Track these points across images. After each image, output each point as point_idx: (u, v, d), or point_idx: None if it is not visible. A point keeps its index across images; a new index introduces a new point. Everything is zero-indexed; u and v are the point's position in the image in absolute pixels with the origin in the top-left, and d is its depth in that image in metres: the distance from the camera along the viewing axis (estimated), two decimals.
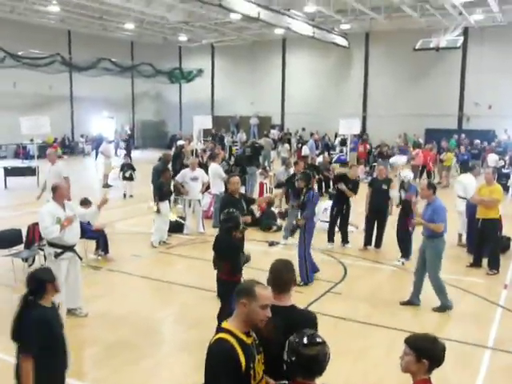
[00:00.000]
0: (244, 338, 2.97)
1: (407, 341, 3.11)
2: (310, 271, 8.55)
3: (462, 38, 23.65)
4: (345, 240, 11.15)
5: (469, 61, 27.98)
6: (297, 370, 2.82)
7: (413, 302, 7.63)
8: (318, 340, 2.85)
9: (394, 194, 10.54)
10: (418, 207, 7.77)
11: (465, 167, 15.42)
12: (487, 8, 22.88)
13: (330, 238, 11.08)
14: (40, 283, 4.09)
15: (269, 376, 3.26)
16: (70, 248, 6.83)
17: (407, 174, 10.61)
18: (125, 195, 16.36)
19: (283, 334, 2.96)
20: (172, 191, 11.86)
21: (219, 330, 3.04)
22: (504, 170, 19.40)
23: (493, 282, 8.71)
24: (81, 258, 7.20)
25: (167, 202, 11.06)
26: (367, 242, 10.86)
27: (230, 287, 5.80)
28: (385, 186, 10.63)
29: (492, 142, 23.81)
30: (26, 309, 4.00)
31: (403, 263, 9.75)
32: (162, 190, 10.91)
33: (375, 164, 20.13)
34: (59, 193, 6.76)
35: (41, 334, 3.86)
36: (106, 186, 19.07)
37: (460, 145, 22.80)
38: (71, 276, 6.93)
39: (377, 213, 10.64)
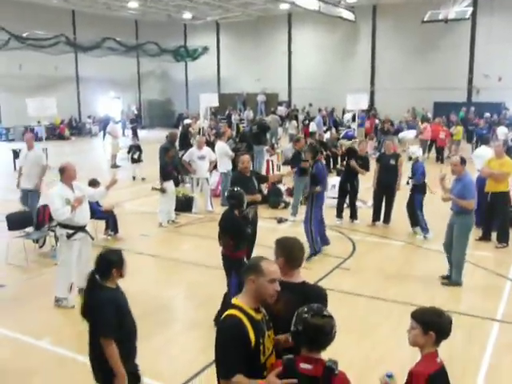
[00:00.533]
0: (253, 313, 2.99)
1: (414, 315, 3.12)
2: (316, 242, 8.65)
3: (471, 9, 23.18)
4: (353, 216, 11.14)
5: (478, 32, 27.49)
6: (303, 340, 2.84)
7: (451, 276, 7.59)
8: (326, 313, 2.88)
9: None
10: (446, 182, 7.55)
11: (482, 140, 15.24)
12: None
13: (339, 214, 11.08)
14: (107, 265, 4.11)
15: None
16: (81, 228, 6.87)
17: (415, 151, 10.54)
18: (134, 178, 16.13)
19: (294, 310, 2.97)
20: (178, 170, 11.85)
21: (229, 306, 3.06)
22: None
23: (502, 256, 8.69)
24: (92, 238, 7.26)
25: (172, 181, 11.01)
26: (376, 217, 10.84)
27: (233, 263, 5.91)
28: (393, 162, 10.56)
29: (500, 114, 23.43)
30: (93, 290, 4.03)
31: (425, 237, 9.72)
32: (166, 170, 10.90)
33: (383, 139, 19.95)
34: (67, 174, 6.76)
35: (114, 316, 3.88)
36: (114, 166, 19.12)
37: (469, 119, 22.49)
38: (83, 256, 6.98)
39: (385, 188, 10.58)
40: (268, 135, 20.04)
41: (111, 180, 7.38)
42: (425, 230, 9.81)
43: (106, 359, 3.82)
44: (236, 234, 6.07)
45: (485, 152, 10.75)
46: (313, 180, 8.71)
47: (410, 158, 10.27)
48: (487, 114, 21.95)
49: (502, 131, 18.85)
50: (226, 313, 3.00)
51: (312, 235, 8.59)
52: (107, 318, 3.85)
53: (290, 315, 2.95)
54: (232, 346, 2.88)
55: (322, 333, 2.81)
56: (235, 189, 6.41)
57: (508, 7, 25.81)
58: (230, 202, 6.29)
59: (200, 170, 11.88)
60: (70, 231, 6.73)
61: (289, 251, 3.42)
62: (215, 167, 12.82)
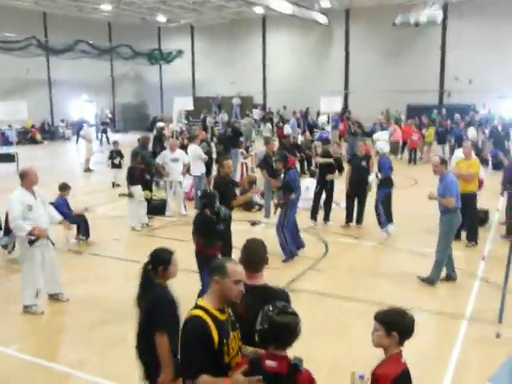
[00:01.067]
0: (217, 314, 3.01)
1: (376, 316, 3.11)
2: (291, 245, 8.69)
3: (441, 13, 23.60)
4: (327, 217, 11.20)
5: (448, 36, 27.98)
6: (269, 338, 2.85)
7: (450, 276, 7.65)
8: (290, 310, 2.89)
9: (370, 178, 10.57)
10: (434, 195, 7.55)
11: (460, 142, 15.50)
12: None
13: (313, 216, 11.13)
14: (155, 261, 4.15)
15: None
16: None
17: (383, 147, 10.73)
18: (113, 184, 15.52)
19: (255, 312, 2.98)
20: (151, 173, 11.76)
21: (194, 306, 3.07)
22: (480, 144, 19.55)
23: (471, 254, 8.84)
24: (53, 244, 7.06)
25: (139, 185, 10.87)
26: (349, 219, 10.93)
27: (205, 261, 5.95)
28: (364, 163, 10.68)
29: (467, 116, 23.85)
30: (147, 284, 4.11)
31: (387, 232, 9.91)
32: (133, 174, 10.77)
33: (352, 141, 20.16)
34: (28, 179, 6.60)
35: (170, 313, 3.96)
36: (88, 170, 18.91)
37: (442, 120, 22.80)
38: (47, 262, 6.88)
39: (357, 189, 10.69)
40: (243, 138, 20.06)
41: (66, 226, 7.46)
42: (383, 223, 10.00)
43: (156, 353, 3.82)
44: (207, 232, 6.20)
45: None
46: (286, 188, 8.73)
47: (377, 153, 10.47)
48: (457, 116, 22.30)
49: (471, 132, 19.21)
50: (190, 313, 3.02)
51: (286, 240, 8.65)
52: (163, 313, 3.91)
53: (251, 317, 2.96)
54: (195, 347, 2.89)
55: (287, 330, 2.82)
56: (208, 189, 6.57)
57: (477, 12, 26.34)
58: (202, 201, 6.47)
59: (173, 173, 11.79)
60: (32, 237, 6.53)
61: (248, 255, 3.44)
62: (188, 170, 12.75)
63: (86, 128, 21.53)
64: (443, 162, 7.51)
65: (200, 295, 5.88)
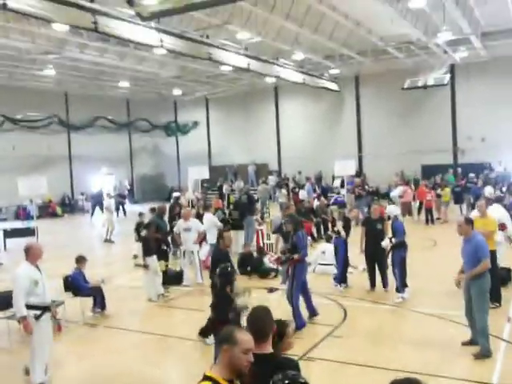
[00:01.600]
0: None
1: None
2: (298, 316, 8.33)
3: (448, 75, 24.10)
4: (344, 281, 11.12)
5: (458, 96, 28.48)
6: None
7: (475, 341, 7.20)
8: (301, 380, 2.82)
9: (384, 243, 10.39)
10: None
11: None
12: (470, 45, 23.48)
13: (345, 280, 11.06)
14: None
15: None
16: (47, 308, 6.67)
17: (393, 210, 10.67)
18: (135, 256, 14.69)
19: (263, 382, 2.91)
20: (166, 243, 11.82)
21: (203, 377, 3.01)
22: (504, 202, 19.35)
23: (495, 316, 8.54)
24: (55, 318, 7.02)
25: (155, 256, 10.89)
26: (372, 282, 10.73)
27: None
28: (379, 226, 10.60)
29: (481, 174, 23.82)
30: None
31: (403, 298, 9.67)
32: (148, 245, 10.81)
33: (356, 204, 20.22)
34: (32, 253, 6.59)
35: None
36: (109, 241, 19.08)
37: (458, 179, 22.75)
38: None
39: (375, 253, 10.52)
40: (259, 205, 20.23)
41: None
42: (400, 288, 9.79)
43: None
44: (226, 311, 6.02)
45: (496, 212, 10.44)
46: (293, 248, 8.64)
47: (389, 218, 10.37)
48: (471, 175, 22.28)
49: (488, 190, 19.11)
50: None
51: (294, 308, 8.36)
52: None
53: None
54: None
55: None
56: (226, 266, 6.46)
57: (483, 72, 26.90)
58: (221, 279, 6.34)
59: (186, 242, 11.87)
60: (38, 312, 6.49)
61: (253, 322, 3.41)
62: (204, 239, 12.80)
63: (109, 199, 21.98)
64: (468, 221, 7.26)
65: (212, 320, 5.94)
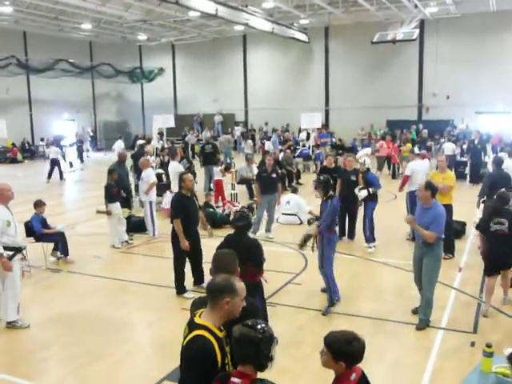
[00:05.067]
0: (218, 332, 2.96)
1: (325, 341, 3.07)
2: (334, 291, 7.41)
3: (417, 31, 24.04)
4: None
5: (426, 52, 28.59)
6: (237, 355, 2.85)
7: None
8: (259, 326, 2.83)
9: (361, 194, 10.55)
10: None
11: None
12: (441, 0, 23.43)
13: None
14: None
15: None
16: (19, 249, 6.81)
17: (368, 161, 10.85)
18: None
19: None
20: (127, 191, 11.70)
21: (194, 325, 2.99)
22: (461, 158, 19.90)
23: (448, 266, 8.92)
24: (25, 258, 7.20)
25: (117, 203, 10.78)
26: (341, 233, 10.82)
27: (256, 288, 5.53)
28: (353, 177, 10.72)
29: (443, 131, 24.33)
30: None
31: (374, 247, 10.09)
32: (111, 191, 10.68)
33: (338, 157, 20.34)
34: (4, 195, 6.62)
35: None
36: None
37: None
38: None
39: (347, 204, 10.48)
40: (222, 156, 20.20)
41: None
42: (369, 239, 10.15)
43: None
44: (257, 257, 5.73)
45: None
46: (330, 217, 7.30)
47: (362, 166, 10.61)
48: (424, 130, 22.81)
49: (448, 147, 19.55)
50: (195, 333, 2.92)
51: (328, 281, 7.36)
52: None
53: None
54: (200, 369, 2.85)
55: (249, 343, 2.76)
56: (244, 210, 6.25)
57: (453, 29, 27.00)
58: (239, 223, 5.84)
59: (140, 192, 11.86)
60: (10, 253, 6.60)
61: (217, 266, 3.46)
62: (168, 187, 12.75)
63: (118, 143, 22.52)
64: (428, 187, 6.44)
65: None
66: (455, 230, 10.07)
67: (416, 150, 16.25)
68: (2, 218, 6.50)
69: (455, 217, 9.90)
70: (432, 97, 28.41)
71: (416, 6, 23.65)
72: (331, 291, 7.30)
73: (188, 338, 2.94)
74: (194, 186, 8.20)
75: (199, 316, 3.04)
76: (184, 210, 7.67)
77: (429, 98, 28.74)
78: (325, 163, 12.73)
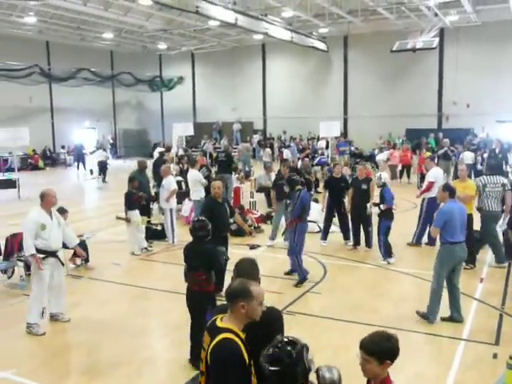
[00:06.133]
0: (242, 334, 3.03)
1: (364, 347, 3.05)
2: (304, 268, 8.72)
3: (437, 39, 23.97)
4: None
5: (446, 61, 28.40)
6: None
7: (453, 317, 7.00)
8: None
9: (373, 210, 10.49)
10: None
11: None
12: (461, 9, 23.29)
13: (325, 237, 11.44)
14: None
15: None
16: (52, 254, 6.92)
17: (384, 176, 10.78)
18: None
19: (248, 329, 3.02)
20: (147, 199, 11.79)
21: (218, 329, 3.03)
22: (479, 167, 19.64)
23: (470, 277, 8.84)
24: (63, 264, 7.24)
25: (137, 210, 10.89)
26: (356, 241, 10.94)
27: (206, 300, 5.65)
28: (364, 186, 10.74)
29: (464, 140, 23.96)
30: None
31: (389, 262, 9.83)
32: (130, 199, 10.83)
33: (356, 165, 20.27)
34: (46, 200, 6.85)
35: None
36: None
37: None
38: (55, 281, 7.07)
39: (359, 212, 10.68)
40: (240, 164, 20.29)
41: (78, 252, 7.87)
42: (383, 255, 9.94)
43: None
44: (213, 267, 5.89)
45: None
46: (298, 208, 8.71)
47: (384, 185, 10.40)
48: (445, 140, 22.44)
49: (468, 155, 19.34)
50: (222, 336, 2.96)
51: (299, 263, 8.68)
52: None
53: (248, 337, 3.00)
54: (234, 370, 2.89)
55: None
56: (202, 219, 6.31)
57: (473, 37, 26.79)
58: (198, 233, 6.03)
59: (160, 200, 11.91)
60: (42, 255, 6.76)
61: (239, 275, 3.48)
62: (187, 195, 12.82)
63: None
64: (446, 188, 7.04)
65: (194, 333, 5.89)
66: (476, 240, 9.93)
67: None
68: (37, 220, 6.69)
69: (476, 227, 9.79)
70: (452, 105, 28.19)
71: (436, 15, 23.57)
72: (301, 269, 8.64)
73: (215, 342, 2.96)
74: (222, 193, 8.22)
75: (220, 320, 3.09)
76: (211, 214, 7.68)
77: (449, 107, 28.52)
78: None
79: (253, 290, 3.05)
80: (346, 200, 11.32)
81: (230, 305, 3.07)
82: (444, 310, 7.06)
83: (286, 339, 2.92)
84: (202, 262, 5.77)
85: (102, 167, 23.13)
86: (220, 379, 2.93)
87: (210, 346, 2.98)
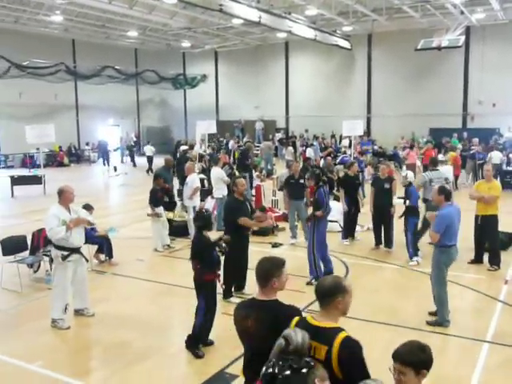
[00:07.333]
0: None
1: (399, 358, 2.96)
2: (318, 267, 8.61)
3: (463, 37, 23.59)
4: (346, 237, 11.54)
5: (471, 59, 27.96)
6: None
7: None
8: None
9: (396, 201, 10.49)
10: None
11: None
12: (488, 7, 22.91)
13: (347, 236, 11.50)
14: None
15: (248, 372, 3.29)
16: (75, 250, 7.03)
17: (410, 175, 10.64)
18: None
19: (268, 328, 3.02)
20: (170, 196, 11.90)
21: (334, 330, 3.03)
22: (508, 168, 19.36)
23: (493, 278, 8.74)
24: (87, 260, 7.37)
25: (161, 207, 11.03)
26: (377, 241, 10.87)
27: (201, 287, 6.10)
28: (387, 185, 10.65)
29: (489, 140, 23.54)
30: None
31: (417, 262, 9.66)
32: (155, 196, 10.95)
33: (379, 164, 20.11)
34: (64, 196, 6.94)
35: None
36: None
37: (466, 144, 22.52)
38: (78, 277, 7.19)
39: (381, 212, 10.61)
40: (263, 162, 20.29)
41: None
42: (411, 254, 9.78)
43: None
44: (204, 257, 6.20)
45: None
46: (315, 205, 8.69)
47: (410, 184, 10.29)
48: (475, 140, 22.04)
49: (496, 155, 19.05)
50: (344, 335, 3.01)
51: (315, 261, 8.61)
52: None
53: (262, 333, 3.00)
54: (365, 363, 3.03)
55: None
56: (203, 210, 6.62)
57: (500, 35, 26.33)
58: (196, 223, 6.46)
59: (184, 197, 12.02)
60: (65, 252, 6.87)
61: (261, 269, 3.47)
62: (210, 193, 12.89)
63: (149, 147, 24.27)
64: (441, 191, 6.79)
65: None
66: (501, 242, 9.80)
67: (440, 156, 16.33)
68: (58, 216, 6.76)
69: (501, 227, 9.65)
70: (477, 105, 27.76)
71: (462, 13, 23.22)
72: (315, 268, 8.53)
73: (339, 343, 2.94)
74: (244, 191, 8.26)
75: (313, 319, 3.12)
76: (236, 215, 7.71)
77: (474, 106, 28.09)
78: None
79: (347, 285, 3.13)
80: (360, 198, 11.61)
81: (326, 302, 3.09)
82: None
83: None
84: (195, 252, 6.26)
85: (150, 162, 25.00)
86: (363, 371, 2.98)
87: (335, 349, 2.93)
